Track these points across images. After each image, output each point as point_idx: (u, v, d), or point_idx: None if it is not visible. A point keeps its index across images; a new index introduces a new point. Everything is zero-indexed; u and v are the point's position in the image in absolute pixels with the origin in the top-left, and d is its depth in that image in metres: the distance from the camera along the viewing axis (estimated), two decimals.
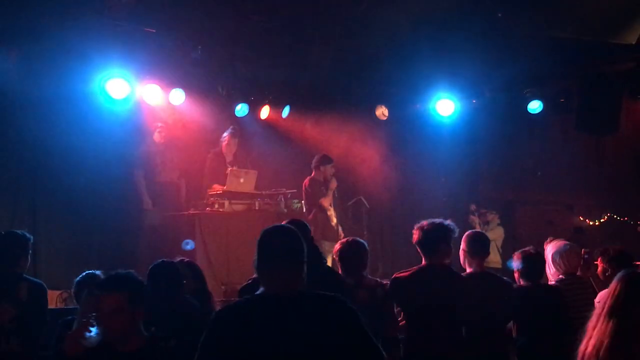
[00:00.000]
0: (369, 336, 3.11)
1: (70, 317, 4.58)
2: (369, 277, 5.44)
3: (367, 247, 5.39)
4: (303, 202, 9.63)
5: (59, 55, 7.90)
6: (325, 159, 9.63)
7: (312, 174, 9.65)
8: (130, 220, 9.26)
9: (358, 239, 5.46)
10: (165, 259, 4.99)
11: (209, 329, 3.04)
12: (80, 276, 4.94)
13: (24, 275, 5.53)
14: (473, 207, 11.43)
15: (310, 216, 9.31)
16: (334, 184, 9.60)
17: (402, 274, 5.02)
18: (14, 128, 8.40)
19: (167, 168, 9.66)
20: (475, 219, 11.20)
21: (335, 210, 9.60)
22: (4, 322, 5.18)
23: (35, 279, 5.74)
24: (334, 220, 9.54)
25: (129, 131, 9.25)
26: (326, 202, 9.50)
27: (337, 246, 5.36)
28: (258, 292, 3.10)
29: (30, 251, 5.68)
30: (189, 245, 8.53)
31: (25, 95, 8.21)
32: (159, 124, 9.63)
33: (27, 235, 5.67)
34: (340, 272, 5.25)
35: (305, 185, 9.58)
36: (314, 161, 9.67)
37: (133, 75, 8.76)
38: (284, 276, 3.06)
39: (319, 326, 3.00)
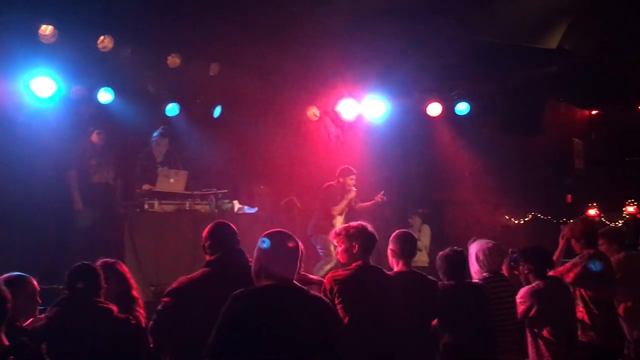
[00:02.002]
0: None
1: None
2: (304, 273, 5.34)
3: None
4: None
5: None
6: (347, 171, 9.91)
7: (335, 182, 9.93)
8: (60, 221, 9.07)
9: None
10: (85, 262, 4.69)
11: (225, 310, 3.57)
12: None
13: None
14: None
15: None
16: (352, 193, 9.86)
17: (341, 273, 4.86)
18: None
19: (104, 169, 9.53)
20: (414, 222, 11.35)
21: (344, 218, 9.78)
22: None
23: None
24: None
25: (61, 131, 9.05)
26: (336, 210, 9.77)
27: None
28: (266, 283, 3.71)
29: None
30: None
31: None
32: (98, 127, 9.49)
33: None
34: None
35: (322, 189, 9.87)
36: (337, 171, 9.93)
37: (59, 74, 8.57)
38: (289, 272, 3.77)
39: (309, 314, 3.70)
